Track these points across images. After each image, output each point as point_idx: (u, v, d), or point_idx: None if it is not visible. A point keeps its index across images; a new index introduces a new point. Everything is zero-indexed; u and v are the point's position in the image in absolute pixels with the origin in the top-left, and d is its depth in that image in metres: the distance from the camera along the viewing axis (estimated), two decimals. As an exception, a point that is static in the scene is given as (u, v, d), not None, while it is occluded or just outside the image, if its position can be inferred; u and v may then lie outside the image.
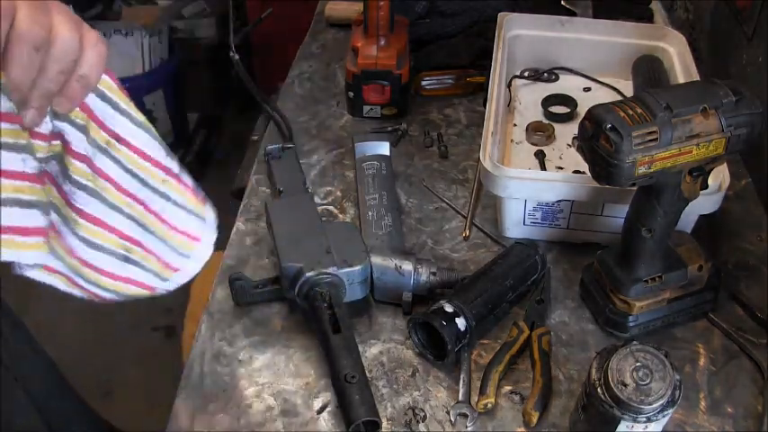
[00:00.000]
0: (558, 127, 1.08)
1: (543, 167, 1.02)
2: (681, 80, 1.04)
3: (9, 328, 0.73)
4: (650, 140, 0.67)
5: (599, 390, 0.64)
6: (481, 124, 0.93)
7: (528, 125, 1.08)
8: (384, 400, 0.76)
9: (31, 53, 0.42)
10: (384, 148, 1.01)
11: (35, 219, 0.54)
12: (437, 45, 1.24)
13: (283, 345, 0.82)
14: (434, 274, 0.83)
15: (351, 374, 0.70)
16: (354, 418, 0.68)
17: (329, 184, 1.03)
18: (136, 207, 0.63)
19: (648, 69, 1.10)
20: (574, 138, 0.73)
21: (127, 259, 0.64)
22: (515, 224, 0.92)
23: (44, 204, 0.55)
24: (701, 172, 0.72)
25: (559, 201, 0.87)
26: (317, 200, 0.99)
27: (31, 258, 0.55)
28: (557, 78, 1.19)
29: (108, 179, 0.60)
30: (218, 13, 2.59)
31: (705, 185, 0.75)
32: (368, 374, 0.75)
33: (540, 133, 1.06)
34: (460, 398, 0.75)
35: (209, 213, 0.71)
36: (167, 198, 0.66)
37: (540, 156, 1.04)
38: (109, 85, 0.58)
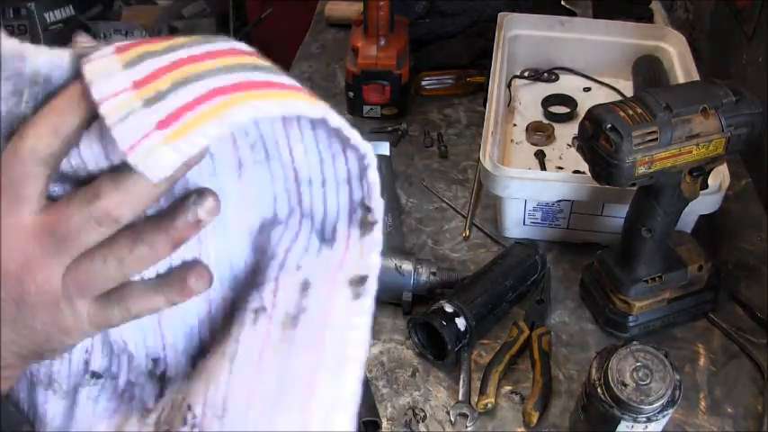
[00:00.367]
0: (558, 127, 1.08)
1: (543, 167, 1.02)
2: (681, 80, 1.04)
3: None
4: (650, 140, 0.67)
5: (599, 390, 0.64)
6: (481, 124, 0.93)
7: (528, 125, 1.08)
8: (384, 400, 0.76)
9: None
10: (384, 148, 1.01)
11: None
12: (437, 45, 1.24)
13: (283, 345, 0.81)
14: (434, 274, 0.83)
15: (351, 374, 0.70)
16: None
17: (329, 184, 1.03)
18: None
19: (648, 69, 1.10)
20: (574, 138, 0.73)
21: None
22: (515, 224, 0.92)
23: None
24: (700, 172, 0.72)
25: (559, 201, 0.87)
26: (317, 200, 0.99)
27: None
28: (557, 78, 1.19)
29: None
30: (218, 13, 2.58)
31: (705, 185, 0.75)
32: (368, 374, 0.75)
33: (540, 133, 1.06)
34: (460, 398, 0.75)
35: None
36: None
37: (540, 156, 1.04)
38: None
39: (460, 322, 0.76)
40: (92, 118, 0.33)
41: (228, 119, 0.31)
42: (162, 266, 0.39)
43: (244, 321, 0.38)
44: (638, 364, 0.64)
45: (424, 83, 1.19)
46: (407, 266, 0.83)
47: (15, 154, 0.33)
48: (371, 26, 1.09)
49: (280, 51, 1.57)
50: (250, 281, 0.41)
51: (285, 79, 0.37)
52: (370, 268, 0.39)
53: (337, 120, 0.37)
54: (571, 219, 0.90)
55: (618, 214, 0.86)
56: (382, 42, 1.09)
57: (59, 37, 1.69)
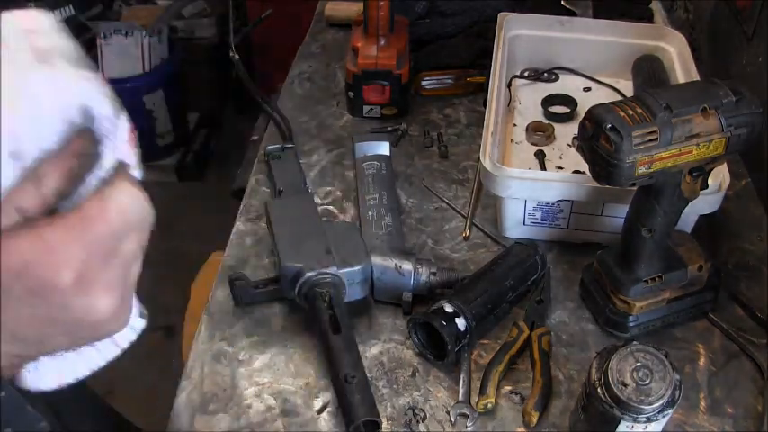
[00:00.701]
0: (558, 127, 1.08)
1: (543, 167, 1.02)
2: (681, 80, 1.04)
3: None
4: (650, 140, 0.67)
5: (599, 390, 0.64)
6: (481, 124, 0.93)
7: (528, 125, 1.08)
8: (384, 400, 0.76)
9: None
10: (384, 148, 1.01)
11: None
12: (437, 45, 1.24)
13: (283, 345, 0.82)
14: (434, 274, 0.83)
15: (351, 374, 0.70)
16: (354, 418, 0.68)
17: (329, 184, 1.03)
18: None
19: (648, 69, 1.10)
20: (574, 138, 0.73)
21: None
22: (515, 224, 0.92)
23: None
24: (700, 172, 0.72)
25: (559, 201, 0.87)
26: (317, 200, 0.99)
27: None
28: (557, 78, 1.19)
29: None
30: (218, 13, 2.59)
31: (705, 185, 0.75)
32: (368, 374, 0.75)
33: (540, 133, 1.06)
34: (460, 398, 0.75)
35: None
36: None
37: (540, 156, 1.04)
38: None
39: (460, 322, 0.76)
40: None
41: None
42: None
43: None
44: (638, 364, 0.64)
45: (424, 83, 1.19)
46: (407, 266, 0.83)
47: None
48: (371, 26, 1.09)
49: (280, 51, 1.57)
50: None
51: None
52: None
53: None
54: (571, 219, 0.90)
55: (618, 214, 0.86)
56: (382, 42, 1.10)
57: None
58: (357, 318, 0.84)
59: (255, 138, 1.41)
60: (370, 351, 0.81)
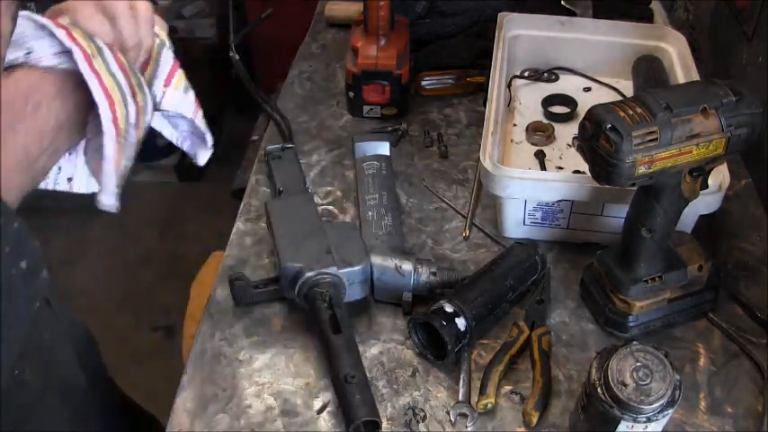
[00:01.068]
0: (558, 127, 1.08)
1: (543, 167, 1.02)
2: (681, 80, 1.04)
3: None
4: (650, 140, 0.67)
5: (599, 390, 0.64)
6: (481, 124, 0.93)
7: (528, 125, 1.08)
8: (384, 400, 0.76)
9: None
10: (384, 148, 1.01)
11: None
12: (437, 45, 1.24)
13: (283, 345, 0.82)
14: (434, 274, 0.83)
15: (351, 374, 0.70)
16: (354, 418, 0.68)
17: (329, 184, 1.03)
18: None
19: (648, 69, 1.10)
20: (574, 138, 0.73)
21: None
22: (515, 224, 0.92)
23: None
24: (700, 172, 0.72)
25: (559, 201, 0.87)
26: (317, 200, 0.99)
27: None
28: (557, 78, 1.19)
29: None
30: (218, 13, 2.59)
31: (705, 185, 0.75)
32: (368, 374, 0.75)
33: (540, 133, 1.06)
34: (460, 398, 0.75)
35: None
36: None
37: (540, 156, 1.04)
38: None
39: (460, 322, 0.76)
40: None
41: None
42: None
43: None
44: (638, 364, 0.64)
45: (424, 83, 1.19)
46: (407, 266, 0.83)
47: None
48: (371, 26, 1.09)
49: (280, 51, 1.57)
50: None
51: None
52: None
53: None
54: (571, 219, 0.90)
55: (618, 214, 0.86)
56: (382, 42, 1.09)
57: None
58: (357, 318, 0.84)
59: (255, 138, 1.41)
60: (370, 351, 0.81)
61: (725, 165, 0.82)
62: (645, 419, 0.63)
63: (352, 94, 1.13)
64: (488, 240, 0.94)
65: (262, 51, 2.49)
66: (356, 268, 0.80)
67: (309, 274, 0.78)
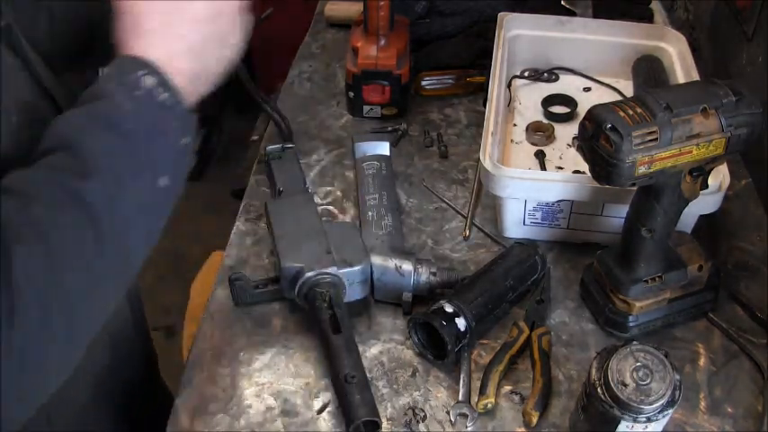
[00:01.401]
0: (558, 127, 1.08)
1: (543, 167, 1.02)
2: (681, 80, 1.04)
3: None
4: (650, 140, 0.67)
5: (599, 390, 0.64)
6: (481, 124, 0.93)
7: (528, 125, 1.08)
8: (384, 400, 0.76)
9: None
10: (384, 148, 1.01)
11: None
12: (437, 45, 1.24)
13: (283, 345, 0.82)
14: (434, 274, 0.83)
15: (351, 374, 0.70)
16: (354, 418, 0.68)
17: (329, 184, 1.03)
18: None
19: (648, 69, 1.10)
20: (574, 138, 0.73)
21: None
22: (515, 224, 0.92)
23: None
24: (700, 172, 0.72)
25: (559, 201, 0.87)
26: (316, 200, 0.99)
27: None
28: (557, 78, 1.19)
29: None
30: (218, 13, 2.58)
31: (705, 185, 0.75)
32: (368, 374, 0.75)
33: (540, 133, 1.06)
34: (460, 398, 0.75)
35: None
36: None
37: (540, 156, 1.04)
38: None
39: (460, 322, 0.76)
40: None
41: None
42: None
43: None
44: (638, 364, 0.64)
45: (424, 83, 1.19)
46: (407, 266, 0.83)
47: None
48: (371, 26, 1.09)
49: (280, 51, 1.57)
50: None
51: None
52: None
53: None
54: (571, 219, 0.90)
55: (618, 214, 0.86)
56: (382, 42, 1.09)
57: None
58: (357, 318, 0.84)
59: (255, 138, 1.41)
60: (370, 351, 0.81)
61: (725, 165, 0.82)
62: (645, 419, 0.63)
63: (352, 94, 1.13)
64: (488, 240, 0.94)
65: (262, 51, 2.49)
66: (356, 268, 0.80)
67: (309, 274, 0.78)
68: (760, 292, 0.86)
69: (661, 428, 0.66)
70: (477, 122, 1.13)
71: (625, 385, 0.63)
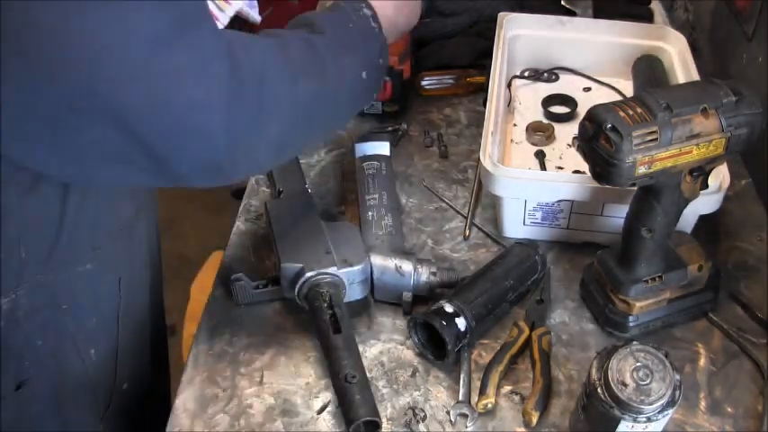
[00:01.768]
0: (558, 127, 1.08)
1: (543, 167, 1.02)
2: (681, 80, 1.04)
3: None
4: (650, 140, 0.67)
5: (599, 390, 0.64)
6: (481, 124, 0.93)
7: (528, 125, 1.08)
8: (384, 400, 0.76)
9: None
10: (384, 148, 1.01)
11: None
12: (437, 45, 1.24)
13: (283, 345, 0.82)
14: (434, 274, 0.83)
15: (351, 374, 0.70)
16: (354, 418, 0.68)
17: (329, 184, 1.03)
18: None
19: (648, 69, 1.10)
20: (574, 138, 0.73)
21: None
22: (515, 224, 0.92)
23: None
24: (701, 172, 0.72)
25: (559, 201, 0.87)
26: (316, 200, 0.99)
27: None
28: (557, 78, 1.19)
29: None
30: (218, 13, 2.58)
31: (705, 185, 0.75)
32: (368, 374, 0.75)
33: (540, 133, 1.06)
34: (460, 398, 0.75)
35: None
36: None
37: (540, 156, 1.04)
38: None
39: (460, 322, 0.76)
40: None
41: None
42: None
43: None
44: (638, 364, 0.64)
45: (424, 83, 1.19)
46: (407, 266, 0.83)
47: None
48: (372, 25, 1.08)
49: (280, 51, 1.57)
50: None
51: None
52: None
53: None
54: (571, 219, 0.90)
55: (618, 214, 0.86)
56: (383, 41, 1.09)
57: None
58: (357, 318, 0.84)
59: (255, 138, 1.40)
60: (370, 351, 0.81)
61: (725, 165, 0.82)
62: (645, 419, 0.63)
63: (352, 92, 1.13)
64: (488, 240, 0.94)
65: (262, 51, 2.49)
66: (356, 268, 0.80)
67: (309, 274, 0.78)
68: (760, 292, 0.86)
69: (661, 428, 0.66)
70: (477, 122, 1.13)
71: (625, 385, 0.63)
